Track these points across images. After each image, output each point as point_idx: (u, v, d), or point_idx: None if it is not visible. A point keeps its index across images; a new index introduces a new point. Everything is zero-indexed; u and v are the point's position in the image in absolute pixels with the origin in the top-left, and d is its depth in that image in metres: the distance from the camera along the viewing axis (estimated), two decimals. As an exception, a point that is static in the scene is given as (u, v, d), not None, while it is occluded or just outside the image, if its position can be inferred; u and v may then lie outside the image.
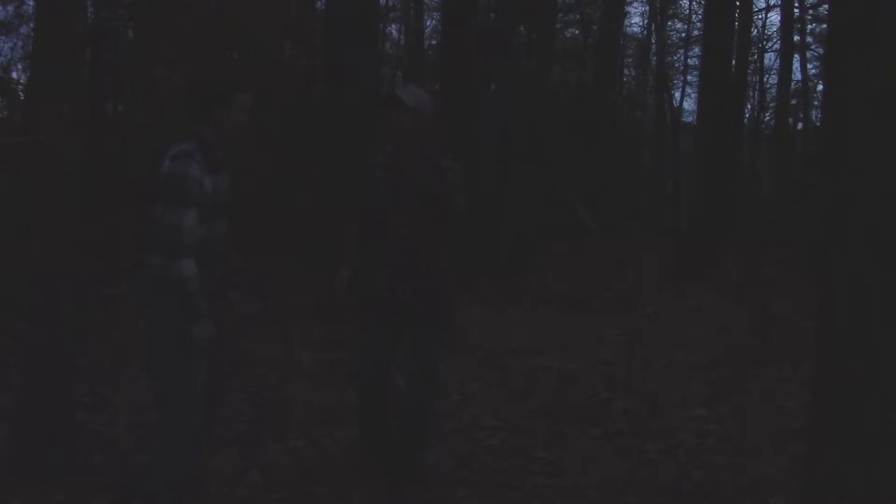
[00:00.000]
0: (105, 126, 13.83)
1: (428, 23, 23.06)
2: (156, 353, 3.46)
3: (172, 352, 3.35)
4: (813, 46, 24.98)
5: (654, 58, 26.03)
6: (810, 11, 23.99)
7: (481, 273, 10.81)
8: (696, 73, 30.38)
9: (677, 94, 27.94)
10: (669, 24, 27.37)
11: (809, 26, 24.76)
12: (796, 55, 23.85)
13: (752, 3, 20.04)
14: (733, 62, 16.24)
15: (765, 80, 27.16)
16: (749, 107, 26.58)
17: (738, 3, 16.27)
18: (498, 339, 7.64)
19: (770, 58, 26.60)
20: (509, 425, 5.28)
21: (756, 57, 25.89)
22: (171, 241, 3.24)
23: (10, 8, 13.92)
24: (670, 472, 4.50)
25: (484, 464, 4.61)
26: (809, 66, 25.44)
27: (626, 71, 27.49)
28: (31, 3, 10.57)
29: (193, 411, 3.41)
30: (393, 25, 23.75)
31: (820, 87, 25.58)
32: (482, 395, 5.97)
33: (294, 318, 7.94)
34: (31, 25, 13.46)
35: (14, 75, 13.74)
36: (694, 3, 27.70)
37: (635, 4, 33.35)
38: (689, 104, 30.46)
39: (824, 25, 24.24)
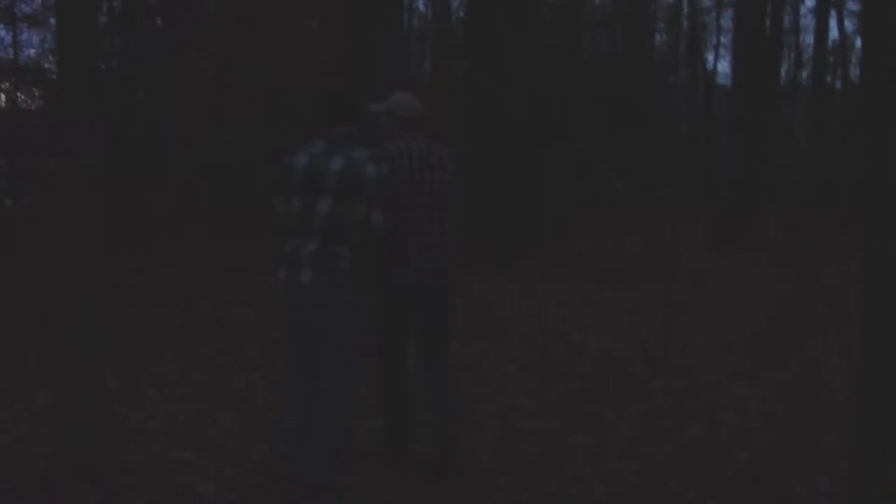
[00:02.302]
0: (134, 114, 13.92)
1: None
2: (339, 341, 3.72)
3: (354, 340, 3.73)
4: (850, 2, 24.38)
5: (686, 21, 25.56)
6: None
7: (516, 250, 10.71)
8: (729, 35, 29.83)
9: (711, 58, 27.47)
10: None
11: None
12: (833, 12, 23.27)
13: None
14: (767, 22, 15.84)
15: (801, 39, 26.59)
16: (786, 67, 26.05)
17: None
18: (534, 319, 7.55)
19: (806, 16, 25.99)
20: (547, 408, 5.20)
21: (792, 15, 25.32)
22: (379, 238, 3.82)
23: (37, 0, 14.01)
24: (713, 454, 4.40)
25: (521, 450, 4.54)
26: (847, 22, 24.84)
27: (657, 36, 27.03)
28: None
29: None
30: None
31: (859, 44, 25.10)
32: (519, 377, 5.89)
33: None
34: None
35: (46, 66, 13.85)
36: (726, -36, 27.14)
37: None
38: (723, 67, 29.93)
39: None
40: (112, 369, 5.77)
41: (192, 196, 12.90)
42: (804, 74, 26.25)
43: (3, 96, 13.54)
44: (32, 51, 14.52)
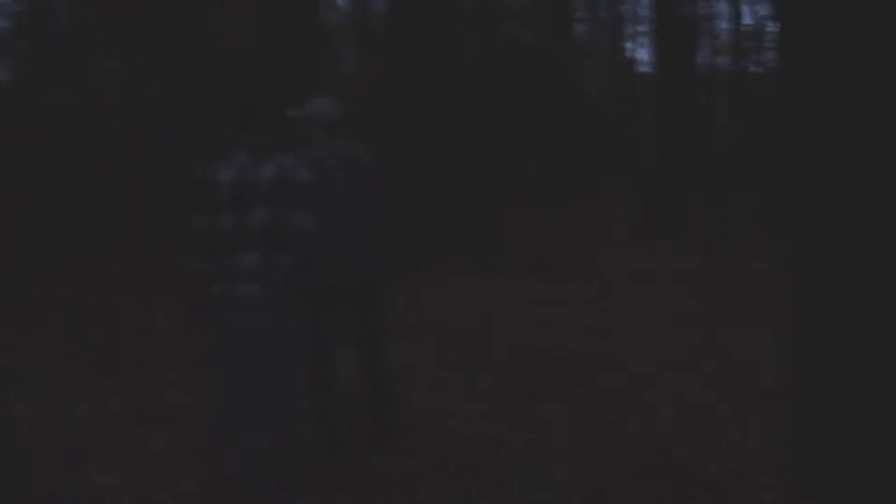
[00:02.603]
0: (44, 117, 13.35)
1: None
2: (279, 347, 3.53)
3: (294, 345, 3.55)
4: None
5: (606, 10, 25.71)
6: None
7: (444, 246, 10.54)
8: (647, 23, 30.16)
9: (629, 46, 27.67)
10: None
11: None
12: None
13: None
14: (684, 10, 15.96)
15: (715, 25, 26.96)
16: (703, 53, 26.37)
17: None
18: (467, 316, 7.38)
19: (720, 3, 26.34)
20: (482, 410, 5.03)
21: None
22: (303, 242, 3.53)
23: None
24: (654, 452, 4.28)
25: (455, 452, 4.34)
26: (758, 8, 25.33)
27: (577, 26, 27.13)
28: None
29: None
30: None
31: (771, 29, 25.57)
32: (452, 379, 5.70)
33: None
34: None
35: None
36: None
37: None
38: (642, 55, 30.25)
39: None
40: (26, 388, 5.42)
41: (108, 198, 12.42)
42: (721, 60, 26.62)
43: None
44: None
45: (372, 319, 4.33)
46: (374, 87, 16.06)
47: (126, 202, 12.13)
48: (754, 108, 23.28)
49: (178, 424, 4.82)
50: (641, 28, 30.57)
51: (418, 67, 10.95)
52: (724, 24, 26.83)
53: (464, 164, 12.55)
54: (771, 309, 6.81)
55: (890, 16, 3.01)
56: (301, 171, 3.53)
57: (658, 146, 13.66)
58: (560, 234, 12.17)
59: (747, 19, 25.59)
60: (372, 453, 4.25)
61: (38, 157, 12.57)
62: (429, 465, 4.20)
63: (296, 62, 8.39)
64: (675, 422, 4.67)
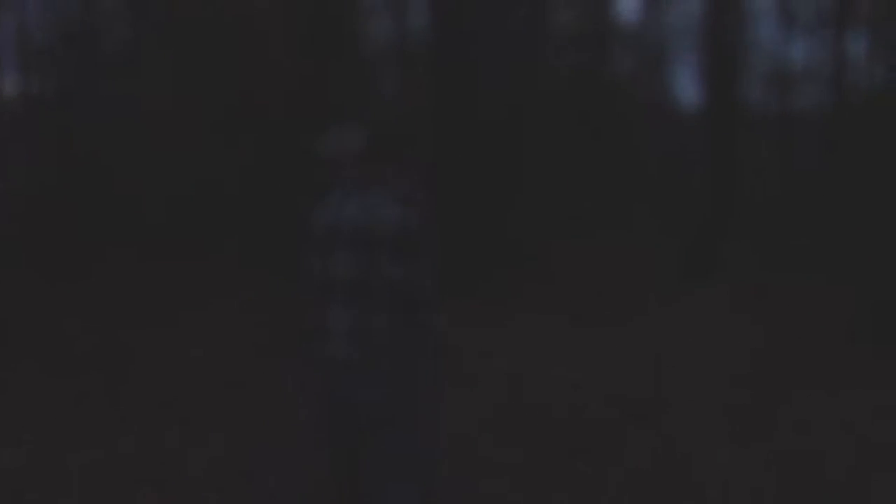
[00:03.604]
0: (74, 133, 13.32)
1: (419, 17, 22.26)
2: (398, 426, 3.04)
3: (410, 424, 3.03)
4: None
5: (650, 41, 25.34)
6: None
7: (480, 277, 10.20)
8: (690, 55, 29.69)
9: (671, 80, 27.19)
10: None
11: None
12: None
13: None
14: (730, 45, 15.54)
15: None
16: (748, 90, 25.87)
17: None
18: (498, 364, 7.03)
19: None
20: (516, 478, 4.66)
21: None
22: (422, 298, 2.98)
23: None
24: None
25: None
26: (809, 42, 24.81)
27: (619, 56, 26.76)
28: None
29: None
30: (379, 22, 23.01)
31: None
32: (484, 439, 5.34)
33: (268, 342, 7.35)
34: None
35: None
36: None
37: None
38: (684, 87, 29.72)
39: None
40: (20, 433, 5.16)
41: (142, 217, 12.29)
42: (768, 96, 26.08)
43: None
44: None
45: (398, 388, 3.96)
46: (416, 112, 15.87)
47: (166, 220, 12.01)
48: (801, 146, 22.73)
49: (186, 478, 4.51)
50: (686, 61, 30.18)
51: (461, 94, 10.70)
52: (771, 59, 26.17)
53: (504, 195, 12.24)
54: (828, 369, 6.42)
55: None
56: (389, 212, 3.00)
57: (703, 184, 13.25)
58: (601, 271, 11.79)
59: (797, 54, 24.94)
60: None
61: (77, 172, 12.51)
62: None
63: (337, 90, 8.16)
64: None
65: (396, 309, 2.95)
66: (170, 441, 5.11)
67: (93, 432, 5.24)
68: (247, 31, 12.50)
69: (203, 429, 5.33)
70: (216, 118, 12.68)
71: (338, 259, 3.00)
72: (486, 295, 9.59)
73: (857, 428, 5.33)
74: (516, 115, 13.63)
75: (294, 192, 8.75)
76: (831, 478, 4.58)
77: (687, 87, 31.27)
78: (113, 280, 10.14)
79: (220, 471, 4.67)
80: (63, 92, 14.31)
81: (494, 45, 13.18)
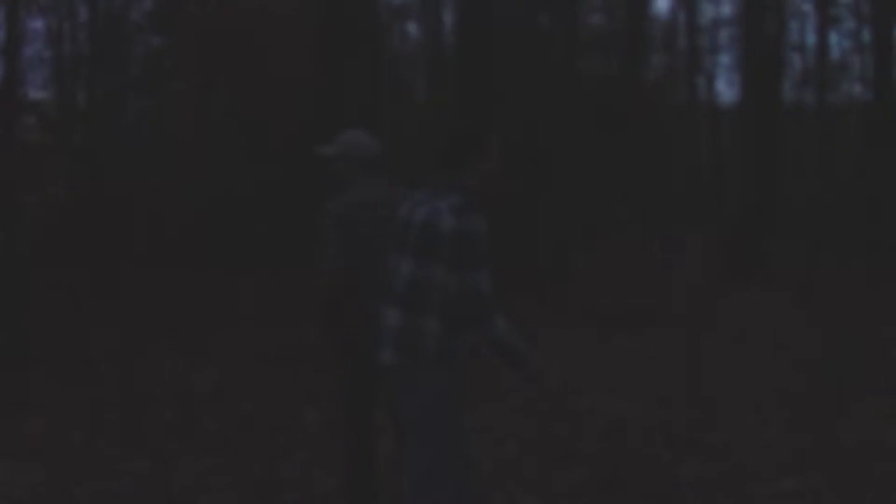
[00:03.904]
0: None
1: (447, 18, 21.96)
2: (426, 438, 2.99)
3: (444, 434, 2.97)
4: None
5: (685, 39, 24.80)
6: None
7: (512, 287, 9.81)
8: (725, 53, 29.13)
9: (704, 80, 26.53)
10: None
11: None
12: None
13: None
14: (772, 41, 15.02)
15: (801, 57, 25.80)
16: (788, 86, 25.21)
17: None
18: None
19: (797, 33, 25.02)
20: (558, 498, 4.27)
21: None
22: (480, 310, 2.93)
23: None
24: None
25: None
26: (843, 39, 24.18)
27: (654, 58, 26.18)
28: None
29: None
30: (412, 24, 22.74)
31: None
32: (517, 460, 4.95)
33: (292, 361, 6.99)
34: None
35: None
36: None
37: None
38: (720, 86, 29.11)
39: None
40: (32, 461, 4.85)
41: (165, 231, 12.10)
42: (806, 93, 25.39)
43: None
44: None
45: None
46: (442, 115, 15.54)
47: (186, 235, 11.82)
48: (842, 142, 22.05)
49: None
50: (721, 60, 29.60)
51: (491, 99, 10.35)
52: (809, 55, 25.50)
53: (537, 202, 11.84)
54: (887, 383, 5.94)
55: None
56: (446, 217, 2.92)
57: (743, 183, 12.75)
58: (639, 278, 11.33)
59: (834, 50, 24.25)
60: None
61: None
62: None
63: (357, 95, 7.85)
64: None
65: (450, 316, 2.92)
66: (183, 469, 4.78)
67: (106, 459, 4.93)
68: (267, 39, 12.31)
69: (219, 453, 5.00)
70: (239, 130, 12.49)
71: (400, 261, 3.01)
72: (520, 309, 9.17)
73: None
74: (543, 120, 13.23)
75: (314, 204, 8.50)
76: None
77: (723, 85, 30.57)
78: (137, 296, 9.90)
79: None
80: (92, 105, 14.28)
81: (521, 47, 12.83)
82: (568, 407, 5.91)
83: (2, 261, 8.06)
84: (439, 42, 20.33)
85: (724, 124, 23.68)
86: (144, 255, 11.40)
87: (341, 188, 3.76)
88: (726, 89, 29.40)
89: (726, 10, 27.50)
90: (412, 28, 22.81)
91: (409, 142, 13.44)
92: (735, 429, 5.29)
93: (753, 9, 12.81)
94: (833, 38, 24.90)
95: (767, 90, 13.03)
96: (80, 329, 8.28)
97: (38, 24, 14.26)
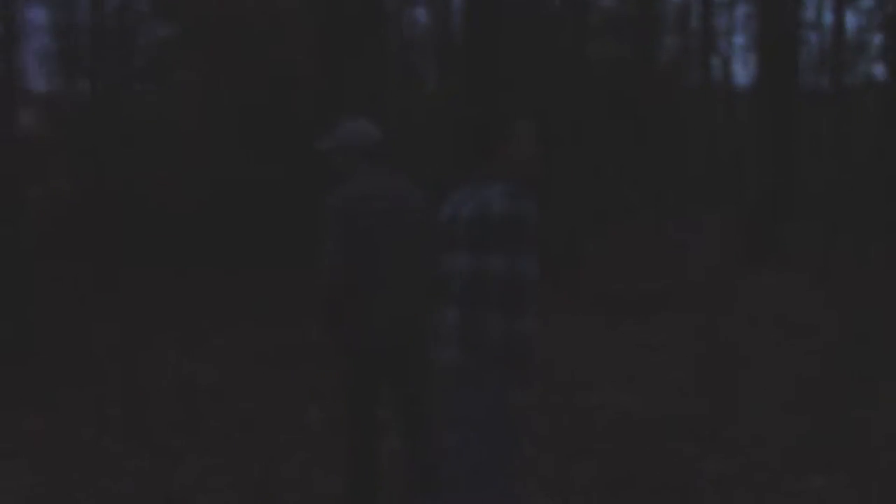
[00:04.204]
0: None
1: (456, 4, 21.68)
2: (488, 431, 2.85)
3: (503, 433, 2.84)
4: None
5: (698, 20, 24.42)
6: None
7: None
8: (740, 35, 28.75)
9: (716, 61, 26.12)
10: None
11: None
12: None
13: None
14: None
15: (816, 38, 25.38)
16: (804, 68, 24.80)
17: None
18: (542, 366, 6.41)
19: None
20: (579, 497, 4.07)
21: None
22: (516, 296, 2.78)
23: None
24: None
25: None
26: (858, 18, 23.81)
27: (666, 39, 25.79)
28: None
29: None
30: (420, 9, 22.50)
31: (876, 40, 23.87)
32: (534, 457, 4.75)
33: (294, 359, 6.80)
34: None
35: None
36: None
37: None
38: (735, 67, 28.78)
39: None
40: (33, 458, 4.71)
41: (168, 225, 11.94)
42: (822, 74, 24.98)
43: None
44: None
45: (421, 392, 3.56)
46: (454, 107, 15.30)
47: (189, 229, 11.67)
48: (859, 123, 21.67)
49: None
50: (737, 41, 29.20)
51: (498, 86, 10.12)
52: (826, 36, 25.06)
53: (549, 188, 11.61)
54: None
55: None
56: (498, 202, 2.82)
57: (760, 166, 12.48)
58: (653, 263, 11.10)
59: (850, 29, 23.81)
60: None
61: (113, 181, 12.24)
62: None
63: (362, 85, 7.66)
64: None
65: (506, 308, 2.78)
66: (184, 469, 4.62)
67: (110, 456, 4.78)
68: (271, 30, 12.12)
69: (221, 456, 4.84)
70: (241, 123, 12.31)
71: (453, 260, 2.92)
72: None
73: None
74: (553, 105, 13.00)
75: (316, 199, 8.33)
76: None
77: (739, 65, 30.17)
78: (139, 291, 9.74)
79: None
80: (95, 98, 14.15)
81: (530, 32, 12.58)
82: (578, 400, 5.71)
83: (6, 254, 7.93)
84: (448, 28, 20.08)
85: (741, 106, 23.34)
86: (147, 250, 11.22)
87: (342, 181, 3.58)
88: (742, 70, 28.97)
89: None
90: (421, 14, 22.57)
91: (419, 130, 13.22)
92: (756, 422, 5.08)
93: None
94: (851, 18, 24.40)
95: (784, 72, 12.72)
96: (84, 323, 8.13)
97: (39, 16, 14.18)
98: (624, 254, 12.13)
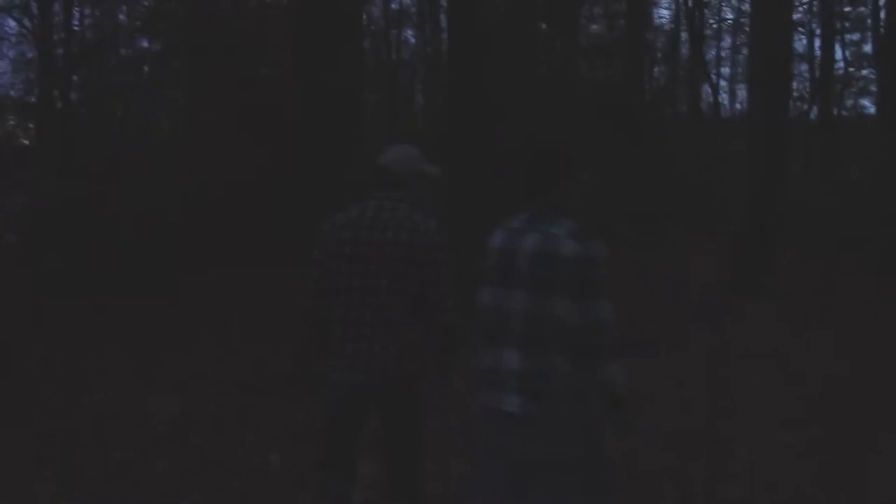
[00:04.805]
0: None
1: (445, 24, 21.53)
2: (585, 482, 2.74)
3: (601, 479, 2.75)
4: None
5: (687, 48, 24.35)
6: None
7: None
8: (726, 66, 28.99)
9: (707, 89, 26.04)
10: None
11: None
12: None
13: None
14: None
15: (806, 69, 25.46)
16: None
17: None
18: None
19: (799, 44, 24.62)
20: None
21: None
22: (602, 342, 2.68)
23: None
24: None
25: None
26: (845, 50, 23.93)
27: (655, 68, 25.73)
28: None
29: None
30: (409, 31, 22.42)
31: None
32: None
33: (264, 391, 6.36)
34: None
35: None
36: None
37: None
38: (723, 97, 28.75)
39: (860, 8, 22.51)
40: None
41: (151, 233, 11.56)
42: (811, 105, 24.94)
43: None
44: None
45: (404, 431, 3.29)
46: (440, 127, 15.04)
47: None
48: (847, 155, 21.57)
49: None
50: (724, 70, 29.25)
51: (483, 108, 9.82)
52: (813, 67, 25.09)
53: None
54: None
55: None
56: (568, 244, 2.72)
57: (748, 195, 12.18)
58: (640, 298, 10.73)
59: (839, 62, 23.80)
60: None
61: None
62: None
63: (337, 99, 7.35)
64: None
65: (574, 353, 2.68)
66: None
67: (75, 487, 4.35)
68: (256, 39, 11.88)
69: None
70: (229, 128, 12.00)
71: (513, 294, 2.75)
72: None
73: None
74: (540, 129, 12.74)
75: (312, 202, 8.01)
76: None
77: (729, 94, 30.15)
78: (126, 304, 9.27)
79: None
80: (79, 105, 13.98)
81: (518, 54, 12.33)
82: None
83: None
84: (437, 49, 19.89)
85: (729, 135, 23.27)
86: (103, 277, 10.65)
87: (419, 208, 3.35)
88: (733, 98, 28.93)
89: (728, 15, 27.19)
90: (410, 36, 22.49)
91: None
92: (755, 478, 4.69)
93: (760, 19, 12.29)
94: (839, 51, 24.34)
95: (774, 102, 12.47)
96: (30, 351, 7.63)
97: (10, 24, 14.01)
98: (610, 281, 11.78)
